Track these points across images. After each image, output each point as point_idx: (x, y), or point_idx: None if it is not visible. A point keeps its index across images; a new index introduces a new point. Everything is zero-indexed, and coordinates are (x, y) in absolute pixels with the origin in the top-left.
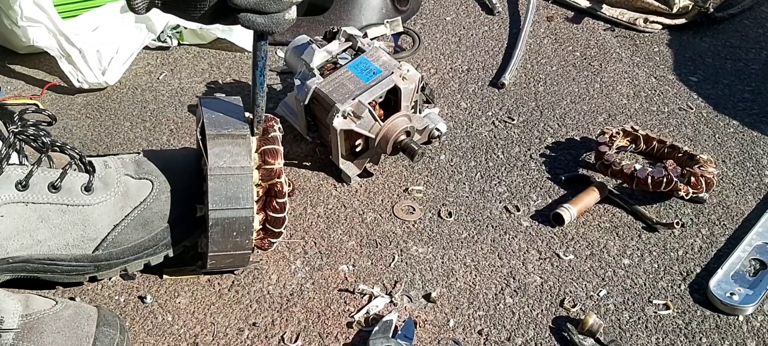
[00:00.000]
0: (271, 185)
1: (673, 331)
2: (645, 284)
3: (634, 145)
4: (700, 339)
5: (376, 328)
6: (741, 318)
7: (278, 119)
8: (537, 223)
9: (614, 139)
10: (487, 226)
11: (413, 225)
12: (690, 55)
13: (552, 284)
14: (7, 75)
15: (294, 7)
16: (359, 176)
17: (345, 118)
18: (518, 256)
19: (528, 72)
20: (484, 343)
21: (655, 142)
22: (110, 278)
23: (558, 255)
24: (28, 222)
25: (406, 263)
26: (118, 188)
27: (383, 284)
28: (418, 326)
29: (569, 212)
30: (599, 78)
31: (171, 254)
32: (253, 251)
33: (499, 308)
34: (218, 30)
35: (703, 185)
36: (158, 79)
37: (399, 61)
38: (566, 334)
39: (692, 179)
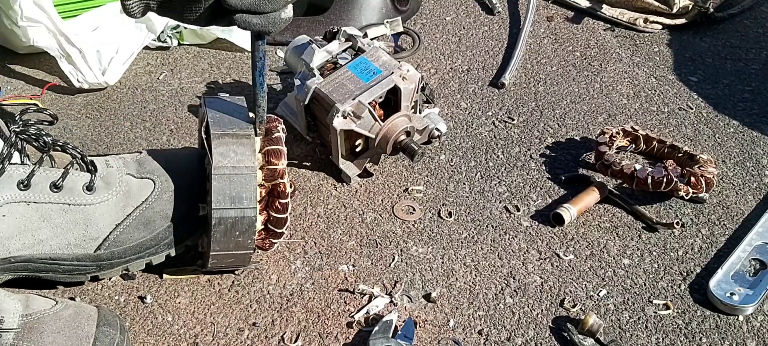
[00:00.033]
0: (274, 186)
1: (673, 331)
2: (645, 284)
3: (634, 145)
4: (700, 339)
5: (376, 328)
6: (741, 318)
7: (281, 120)
8: (537, 223)
9: (614, 139)
10: (487, 226)
11: (413, 225)
12: (690, 55)
13: (552, 284)
14: (7, 75)
15: (290, 6)
16: (359, 176)
17: (345, 118)
18: (518, 256)
19: (528, 72)
20: (484, 343)
21: (655, 142)
22: (111, 278)
23: (558, 255)
24: (29, 222)
25: (406, 263)
26: (119, 188)
27: (383, 284)
28: (418, 326)
29: (569, 212)
30: (599, 78)
31: (173, 254)
32: (254, 251)
33: (499, 308)
34: (218, 30)
35: (703, 185)
36: (158, 79)
37: (399, 61)
38: (566, 334)
39: (692, 178)
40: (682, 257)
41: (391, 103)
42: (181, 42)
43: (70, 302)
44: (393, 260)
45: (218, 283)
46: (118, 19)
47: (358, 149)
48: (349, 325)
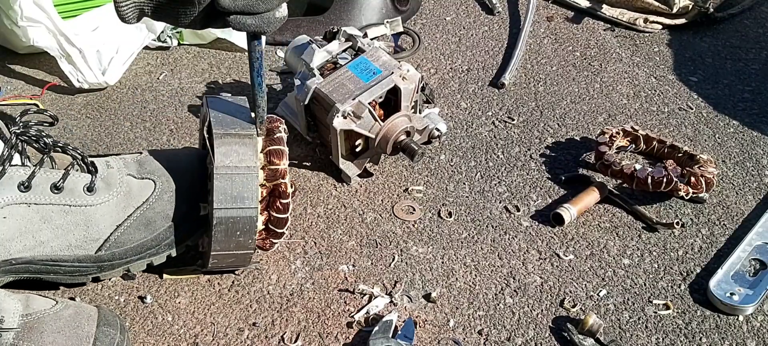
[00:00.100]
0: (275, 186)
1: (673, 331)
2: (645, 284)
3: (634, 145)
4: (700, 339)
5: (376, 328)
6: (741, 318)
7: (283, 120)
8: (537, 223)
9: (614, 139)
10: (487, 226)
11: (413, 225)
12: (690, 55)
13: (552, 284)
14: (7, 75)
15: (284, 5)
16: (359, 176)
17: (345, 118)
18: (518, 256)
19: (528, 72)
20: (484, 343)
21: (655, 142)
22: (111, 278)
23: (558, 255)
24: (30, 223)
25: (406, 263)
26: (120, 188)
27: (383, 284)
28: (418, 326)
29: (569, 212)
30: (599, 78)
31: (174, 254)
32: (254, 251)
33: (499, 308)
34: (217, 30)
35: (703, 185)
36: (158, 79)
37: (399, 61)
38: (566, 334)
39: (692, 178)
40: (682, 257)
41: (391, 103)
42: (181, 42)
43: (70, 302)
44: (393, 260)
45: (218, 283)
46: (118, 19)
47: (358, 149)
48: (349, 325)
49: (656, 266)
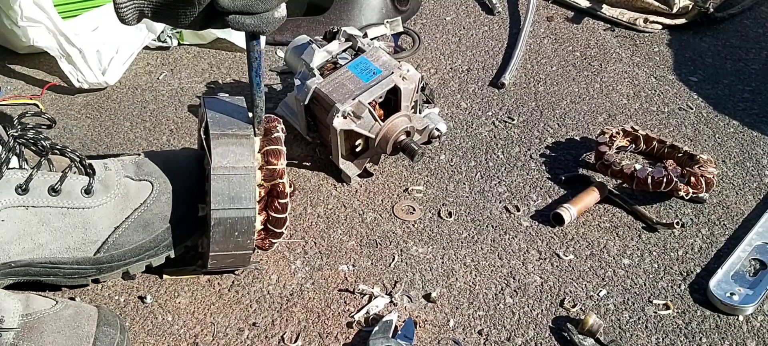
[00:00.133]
0: (273, 186)
1: (673, 331)
2: (645, 284)
3: (634, 145)
4: (700, 339)
5: (376, 328)
6: (741, 318)
7: (281, 120)
8: (537, 223)
9: (614, 139)
10: (487, 226)
11: (413, 225)
12: (690, 55)
13: (552, 284)
14: (7, 75)
15: (283, 5)
16: (359, 176)
17: (345, 118)
18: (518, 256)
19: (528, 72)
20: (484, 343)
21: (655, 142)
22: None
23: (558, 255)
24: (28, 226)
25: (406, 263)
26: (118, 190)
27: (383, 284)
28: (418, 326)
29: (569, 212)
30: (599, 78)
31: (172, 255)
32: (253, 252)
33: (499, 308)
34: (218, 30)
35: (703, 185)
36: (158, 79)
37: (399, 61)
38: (566, 334)
39: (692, 178)
40: (682, 257)
41: (391, 103)
42: (181, 42)
43: (70, 302)
44: (393, 260)
45: (218, 283)
46: (117, 20)
47: (358, 149)
48: (349, 325)
49: (656, 266)
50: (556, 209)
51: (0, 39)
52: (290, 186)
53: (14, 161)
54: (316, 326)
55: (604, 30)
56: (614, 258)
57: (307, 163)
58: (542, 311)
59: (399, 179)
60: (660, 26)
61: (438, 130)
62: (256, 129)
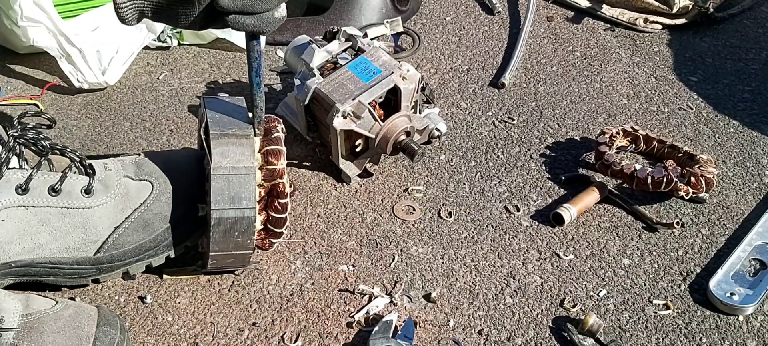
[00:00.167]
0: (273, 186)
1: (673, 331)
2: (645, 284)
3: (634, 145)
4: (700, 339)
5: (376, 328)
6: (741, 318)
7: (281, 120)
8: (537, 223)
9: (614, 139)
10: (487, 226)
11: (413, 225)
12: (690, 55)
13: (552, 284)
14: (7, 75)
15: (283, 5)
16: (359, 176)
17: (345, 118)
18: (518, 256)
19: (528, 72)
20: (484, 343)
21: (655, 142)
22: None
23: (558, 255)
24: (28, 226)
25: (406, 263)
26: (118, 190)
27: (383, 284)
28: (418, 326)
29: (569, 212)
30: (599, 78)
31: (172, 255)
32: (253, 252)
33: (499, 308)
34: (218, 30)
35: (703, 185)
36: (158, 79)
37: (399, 61)
38: (566, 334)
39: (692, 178)
40: (682, 257)
41: (391, 103)
42: (181, 42)
43: (70, 302)
44: (393, 260)
45: (218, 283)
46: (117, 20)
47: (358, 149)
48: (349, 325)
49: (656, 266)
50: (556, 209)
51: (0, 39)
52: (290, 186)
53: (14, 161)
54: (316, 326)
55: (604, 30)
56: (614, 258)
57: (307, 163)
58: (542, 311)
59: (399, 179)
60: (660, 26)
61: (438, 130)
62: (256, 129)
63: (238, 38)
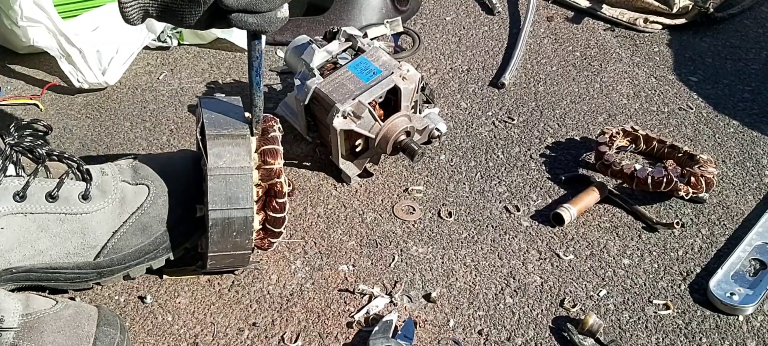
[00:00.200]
0: (270, 185)
1: (673, 331)
2: (645, 284)
3: (634, 145)
4: (700, 339)
5: (376, 328)
6: (741, 318)
7: (278, 119)
8: (537, 223)
9: (614, 139)
10: (487, 226)
11: (413, 225)
12: (690, 55)
13: (552, 284)
14: (7, 75)
15: (286, 6)
16: (359, 176)
17: (345, 118)
18: (518, 256)
19: (528, 72)
20: (484, 343)
21: (655, 142)
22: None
23: (558, 255)
24: (28, 233)
25: (406, 263)
26: (115, 195)
27: (383, 284)
28: (418, 326)
29: (569, 212)
30: (599, 78)
31: (172, 257)
32: (253, 251)
33: (499, 308)
34: (218, 30)
35: (703, 185)
36: (158, 79)
37: (399, 61)
38: (566, 334)
39: (692, 178)
40: (682, 257)
41: (391, 103)
42: (181, 42)
43: (70, 302)
44: (393, 260)
45: (218, 283)
46: (118, 19)
47: (358, 149)
48: (349, 325)
49: (656, 266)
50: (556, 209)
51: (0, 39)
52: (289, 186)
53: (11, 169)
54: (316, 326)
55: (604, 30)
56: (614, 258)
57: (307, 163)
58: (542, 311)
59: (399, 179)
60: (660, 26)
61: (438, 130)
62: (255, 129)
63: (238, 38)
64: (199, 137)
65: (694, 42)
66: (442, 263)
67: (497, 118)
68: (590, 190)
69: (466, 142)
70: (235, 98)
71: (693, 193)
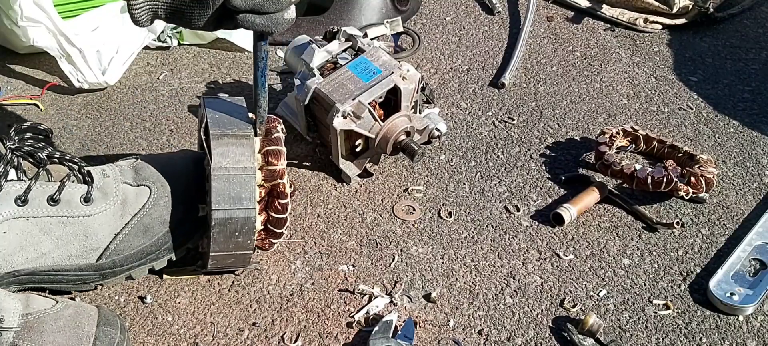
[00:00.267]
0: (273, 186)
1: (673, 331)
2: (645, 284)
3: (634, 145)
4: (700, 339)
5: (376, 328)
6: (741, 318)
7: (281, 120)
8: (537, 223)
9: (614, 139)
10: (487, 226)
11: (413, 225)
12: (690, 55)
13: (552, 284)
14: (7, 75)
15: (293, 7)
16: (359, 176)
17: (345, 118)
18: (518, 256)
19: (528, 72)
20: (484, 343)
21: (655, 142)
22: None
23: (558, 255)
24: (30, 236)
25: (406, 263)
26: (116, 197)
27: (383, 284)
28: (418, 326)
29: (569, 212)
30: (599, 78)
31: (174, 258)
32: (254, 252)
33: (499, 308)
34: (224, 30)
35: (703, 185)
36: (158, 79)
37: (399, 61)
38: (566, 334)
39: (692, 178)
40: (682, 257)
41: (391, 103)
42: (181, 42)
43: (70, 302)
44: (393, 260)
45: (218, 283)
46: (118, 19)
47: (358, 149)
48: (349, 325)
49: (656, 266)
50: (556, 209)
51: (0, 39)
52: (290, 186)
53: (12, 173)
54: (316, 326)
55: (604, 30)
56: (614, 258)
57: (307, 163)
58: (542, 311)
59: (399, 179)
60: (660, 26)
61: (438, 130)
62: (258, 129)
63: (239, 38)
64: (202, 137)
65: (694, 42)
66: (442, 263)
67: (497, 118)
68: (590, 190)
69: (466, 142)
70: (239, 98)
71: (693, 193)
